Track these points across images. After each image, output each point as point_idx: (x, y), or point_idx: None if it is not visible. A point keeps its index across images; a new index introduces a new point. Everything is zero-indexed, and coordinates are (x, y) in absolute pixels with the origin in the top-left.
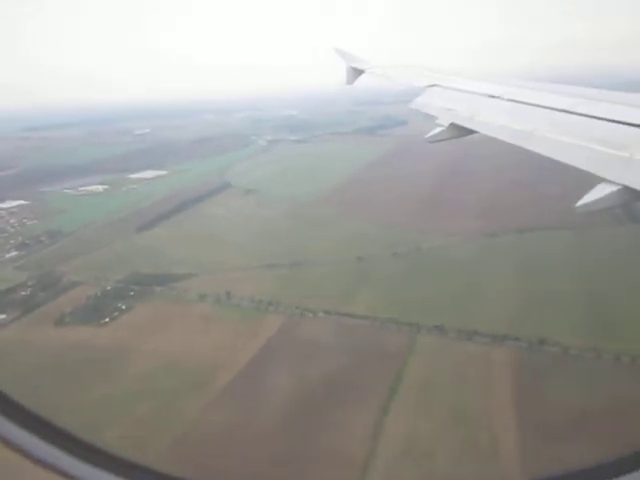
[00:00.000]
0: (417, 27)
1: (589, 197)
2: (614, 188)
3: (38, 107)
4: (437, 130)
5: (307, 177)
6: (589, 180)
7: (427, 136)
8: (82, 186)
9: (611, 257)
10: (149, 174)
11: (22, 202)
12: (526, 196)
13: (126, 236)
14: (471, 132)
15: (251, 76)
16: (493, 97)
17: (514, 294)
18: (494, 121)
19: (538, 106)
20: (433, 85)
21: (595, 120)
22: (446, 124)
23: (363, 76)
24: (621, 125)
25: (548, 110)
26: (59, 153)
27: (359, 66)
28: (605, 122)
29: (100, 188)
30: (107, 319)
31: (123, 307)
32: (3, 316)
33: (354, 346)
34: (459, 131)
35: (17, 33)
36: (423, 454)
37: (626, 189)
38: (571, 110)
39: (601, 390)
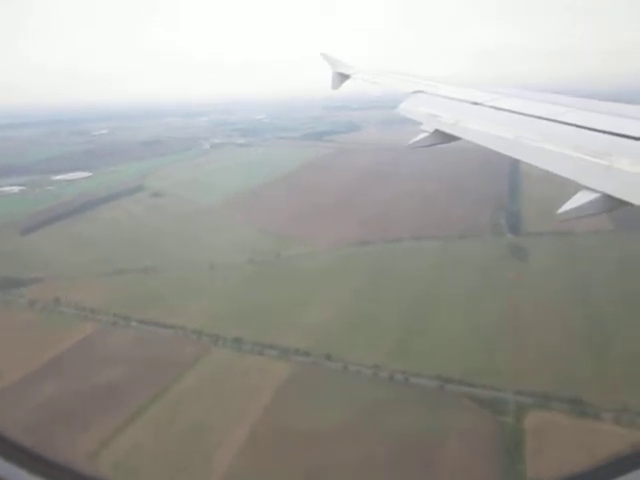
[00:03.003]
0: (416, 34)
1: (570, 204)
2: (594, 196)
3: (24, 105)
4: (421, 136)
5: (224, 181)
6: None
7: (411, 142)
8: (0, 187)
9: (457, 272)
10: (74, 175)
11: None
12: (431, 207)
13: (8, 239)
14: (455, 138)
15: (250, 76)
16: (478, 104)
17: (335, 307)
18: (478, 128)
19: (523, 114)
20: (418, 91)
21: (579, 129)
22: (430, 130)
23: (349, 81)
24: (604, 134)
25: (532, 118)
26: (4, 153)
27: (345, 71)
28: (588, 131)
29: (16, 189)
30: None
31: None
32: None
33: (143, 357)
34: (443, 137)
35: (8, 30)
36: (130, 470)
37: (606, 197)
38: (555, 119)
39: (348, 406)
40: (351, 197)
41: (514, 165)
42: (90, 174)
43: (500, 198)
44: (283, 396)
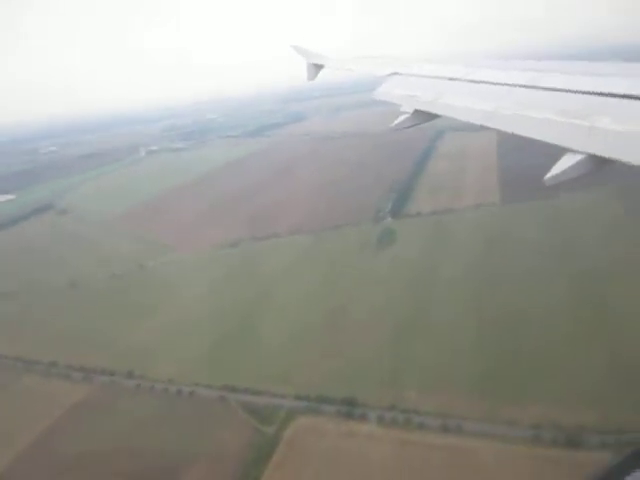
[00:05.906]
0: (391, 13)
1: (556, 169)
2: (579, 157)
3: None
4: (402, 118)
5: (133, 191)
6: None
7: (393, 124)
8: None
9: (308, 268)
10: None
11: None
12: (325, 197)
13: None
14: (435, 117)
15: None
16: (454, 79)
17: (163, 320)
18: (456, 103)
19: (499, 84)
20: (394, 73)
21: (555, 92)
22: (410, 111)
23: (324, 71)
24: (581, 95)
25: (509, 87)
26: None
27: (319, 61)
28: (565, 93)
29: None
30: None
31: None
32: None
33: None
34: (423, 117)
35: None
36: None
37: (591, 157)
38: (531, 84)
39: (118, 425)
40: (250, 196)
41: (432, 143)
42: (13, 197)
43: (400, 181)
44: (65, 419)
